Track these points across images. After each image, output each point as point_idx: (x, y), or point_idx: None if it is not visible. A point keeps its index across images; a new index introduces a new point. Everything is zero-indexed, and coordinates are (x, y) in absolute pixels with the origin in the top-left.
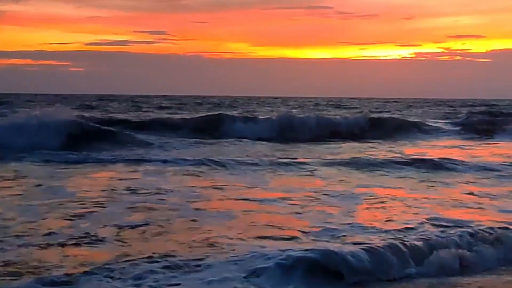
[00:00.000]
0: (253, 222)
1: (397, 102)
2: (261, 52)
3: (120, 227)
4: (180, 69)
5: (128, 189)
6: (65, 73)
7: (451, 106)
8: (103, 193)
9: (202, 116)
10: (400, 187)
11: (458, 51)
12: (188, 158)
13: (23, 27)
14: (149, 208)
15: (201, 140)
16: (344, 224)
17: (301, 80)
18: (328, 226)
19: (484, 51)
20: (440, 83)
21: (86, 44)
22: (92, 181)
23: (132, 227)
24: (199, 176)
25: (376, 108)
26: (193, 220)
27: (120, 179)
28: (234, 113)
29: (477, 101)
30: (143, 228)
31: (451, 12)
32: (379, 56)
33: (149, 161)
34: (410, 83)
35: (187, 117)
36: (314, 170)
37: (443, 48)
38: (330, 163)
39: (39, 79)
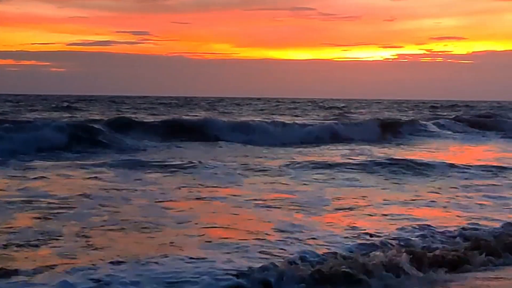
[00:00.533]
0: (214, 223)
1: (379, 102)
2: (244, 53)
3: (85, 227)
4: (162, 70)
5: (100, 189)
6: (46, 73)
7: (434, 107)
8: (74, 193)
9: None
10: (371, 187)
11: (440, 53)
12: (162, 159)
13: (4, 27)
14: (116, 208)
15: (179, 142)
16: (302, 229)
17: (284, 81)
18: (285, 228)
19: (465, 52)
20: (422, 84)
21: (68, 45)
22: (64, 181)
23: (97, 226)
24: (172, 176)
25: (356, 109)
26: (157, 220)
27: (92, 179)
28: (215, 113)
29: (458, 102)
30: (107, 227)
31: (432, 14)
32: (362, 58)
33: (123, 161)
34: (392, 84)
35: (166, 118)
36: (288, 173)
37: (425, 49)
38: (306, 166)
39: (20, 80)
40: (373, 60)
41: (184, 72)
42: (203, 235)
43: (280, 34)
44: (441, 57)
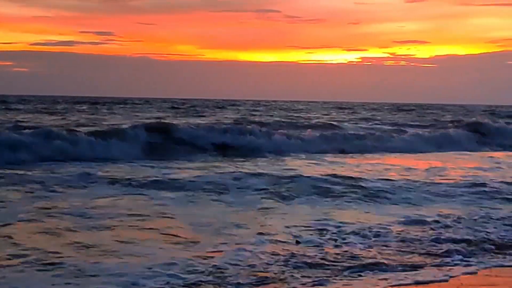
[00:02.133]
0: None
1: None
2: (209, 54)
3: (6, 224)
4: (126, 71)
5: (41, 189)
6: (8, 73)
7: (404, 110)
8: (16, 191)
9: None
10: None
11: (403, 56)
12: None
13: None
14: (47, 207)
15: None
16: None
17: (248, 83)
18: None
19: (427, 56)
20: (385, 87)
21: (31, 44)
22: (9, 181)
23: (20, 224)
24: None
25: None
26: (80, 221)
27: (42, 180)
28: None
29: (419, 105)
30: (29, 225)
31: (396, 18)
32: (326, 60)
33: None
34: (356, 87)
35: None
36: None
37: (388, 53)
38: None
39: None
40: (337, 63)
41: (148, 73)
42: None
43: (245, 36)
44: (404, 61)
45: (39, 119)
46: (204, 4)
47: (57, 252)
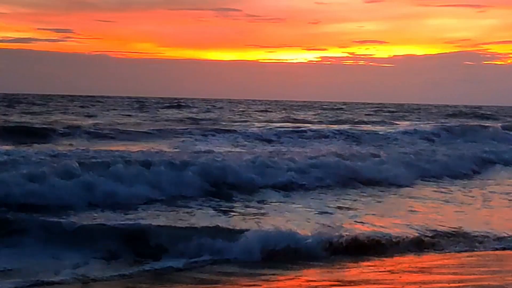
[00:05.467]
0: None
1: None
2: (168, 52)
3: None
4: (85, 68)
5: None
6: None
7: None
8: None
9: None
10: None
11: (362, 56)
12: None
13: None
14: None
15: None
16: None
17: (208, 82)
18: None
19: (386, 56)
20: (345, 87)
21: None
22: None
23: None
24: None
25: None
26: None
27: None
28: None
29: (376, 104)
30: None
31: (355, 18)
32: (286, 60)
33: None
34: (316, 87)
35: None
36: None
37: (348, 52)
38: None
39: None
40: (297, 62)
41: (107, 71)
42: None
43: (205, 34)
44: (363, 61)
45: None
46: (163, 1)
47: None
